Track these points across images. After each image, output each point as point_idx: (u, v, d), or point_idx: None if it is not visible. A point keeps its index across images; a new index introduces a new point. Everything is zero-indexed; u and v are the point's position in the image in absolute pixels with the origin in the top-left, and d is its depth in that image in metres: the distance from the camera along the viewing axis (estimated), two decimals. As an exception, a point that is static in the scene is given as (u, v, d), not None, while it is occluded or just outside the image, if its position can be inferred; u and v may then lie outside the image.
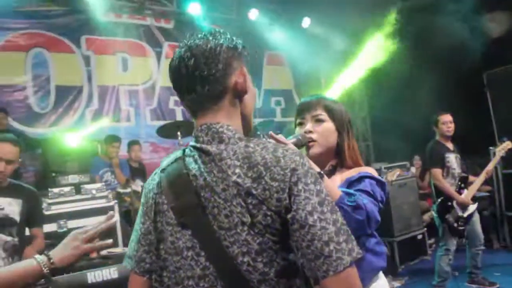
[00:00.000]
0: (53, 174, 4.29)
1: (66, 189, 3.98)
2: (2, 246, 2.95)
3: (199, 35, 1.19)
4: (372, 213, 1.47)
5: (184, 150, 1.22)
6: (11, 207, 3.05)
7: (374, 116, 8.14)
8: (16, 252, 2.98)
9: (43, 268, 1.38)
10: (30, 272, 1.38)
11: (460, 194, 4.25)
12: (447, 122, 4.40)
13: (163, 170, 1.24)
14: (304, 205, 1.04)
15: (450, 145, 4.44)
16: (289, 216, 1.04)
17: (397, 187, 5.91)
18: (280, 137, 1.51)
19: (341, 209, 1.38)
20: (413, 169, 6.54)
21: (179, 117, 6.68)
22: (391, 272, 5.46)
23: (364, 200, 1.49)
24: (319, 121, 1.72)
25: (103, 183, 4.43)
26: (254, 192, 1.05)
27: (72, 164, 4.49)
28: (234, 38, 1.21)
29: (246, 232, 1.06)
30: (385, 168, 5.83)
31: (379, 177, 1.64)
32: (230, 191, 1.07)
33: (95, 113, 6.04)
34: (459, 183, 4.28)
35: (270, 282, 1.07)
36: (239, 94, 1.18)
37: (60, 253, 1.43)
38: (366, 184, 1.58)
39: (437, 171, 4.33)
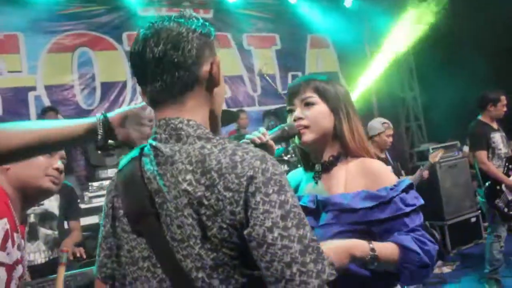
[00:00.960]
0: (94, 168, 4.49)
1: (106, 182, 4.15)
2: (43, 239, 3.14)
3: (168, 18, 1.05)
4: (431, 256, 1.32)
5: (142, 148, 1.09)
6: (50, 202, 3.23)
7: (425, 94, 7.78)
8: (56, 245, 3.17)
9: (99, 129, 1.21)
10: (84, 126, 1.21)
11: (509, 176, 4.00)
12: (504, 103, 4.16)
13: (119, 171, 1.12)
14: (263, 220, 0.88)
15: (494, 125, 4.18)
16: (245, 232, 0.90)
17: (447, 168, 5.67)
18: (261, 136, 1.38)
19: (406, 271, 1.30)
20: (466, 148, 6.21)
21: (223, 106, 6.72)
22: (441, 257, 5.27)
23: (426, 242, 1.32)
24: (308, 104, 1.50)
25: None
26: (206, 202, 0.92)
27: (111, 158, 4.66)
28: (207, 24, 1.08)
29: (199, 246, 0.93)
30: (432, 149, 5.59)
31: (403, 182, 1.42)
32: (181, 199, 0.94)
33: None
34: (507, 164, 4.02)
35: None
36: (210, 85, 1.05)
37: (118, 118, 1.24)
38: (399, 206, 1.36)
39: (482, 153, 4.08)
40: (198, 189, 0.92)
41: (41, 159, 1.58)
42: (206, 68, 1.04)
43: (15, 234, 1.50)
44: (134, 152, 1.10)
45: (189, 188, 0.93)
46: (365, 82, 7.96)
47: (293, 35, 7.45)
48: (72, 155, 5.25)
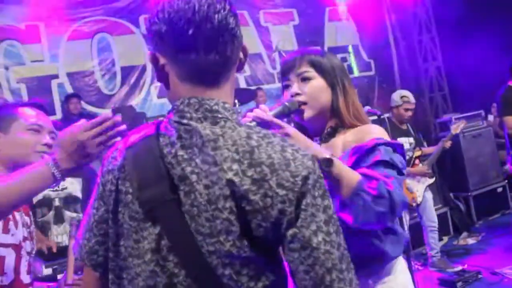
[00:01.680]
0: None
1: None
2: (69, 222, 3.28)
3: None
4: (398, 198, 1.25)
5: (158, 126, 0.97)
6: (73, 186, 3.36)
7: (449, 64, 7.60)
8: (82, 227, 3.30)
9: (52, 169, 1.27)
10: (40, 176, 1.28)
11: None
12: None
13: (129, 148, 0.99)
14: (310, 223, 0.86)
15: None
16: (289, 232, 0.87)
17: (470, 138, 5.57)
18: (263, 114, 1.31)
19: (360, 199, 1.23)
20: (491, 117, 6.08)
21: (242, 84, 6.73)
22: (466, 228, 5.24)
23: (388, 182, 1.26)
24: (305, 79, 1.47)
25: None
26: (252, 197, 0.85)
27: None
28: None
29: (230, 243, 0.86)
30: (455, 119, 5.50)
31: (394, 141, 1.41)
32: (217, 190, 0.86)
33: (160, 89, 6.29)
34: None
35: None
36: (239, 68, 1.00)
37: (60, 152, 1.28)
38: (382, 153, 1.33)
39: (511, 119, 3.99)
40: (245, 181, 0.85)
41: (28, 137, 1.59)
42: (240, 51, 0.98)
43: (16, 214, 1.58)
44: (149, 129, 0.99)
45: (236, 179, 0.85)
46: (386, 54, 7.85)
47: (310, 9, 7.35)
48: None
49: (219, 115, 0.91)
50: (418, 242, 4.69)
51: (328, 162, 1.25)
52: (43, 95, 5.47)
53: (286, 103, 1.44)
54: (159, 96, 6.23)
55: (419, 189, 4.16)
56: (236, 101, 5.11)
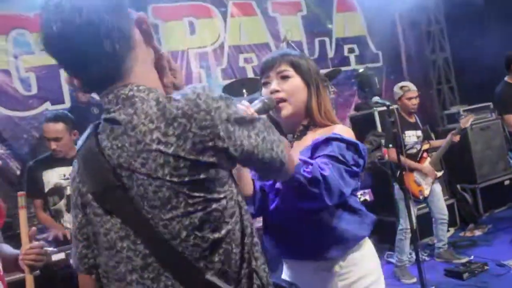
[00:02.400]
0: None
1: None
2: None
3: None
4: (334, 183, 1.32)
5: (96, 125, 1.06)
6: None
7: (456, 55, 7.55)
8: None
9: None
10: None
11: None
12: None
13: (78, 152, 1.09)
14: (241, 136, 0.97)
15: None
16: (237, 154, 0.96)
17: (478, 130, 5.57)
18: (245, 109, 1.36)
19: (295, 181, 1.28)
20: (499, 110, 6.05)
21: (250, 74, 6.72)
22: (472, 220, 5.25)
23: (325, 168, 1.33)
24: (285, 77, 1.58)
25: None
26: (183, 153, 0.90)
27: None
28: None
29: (184, 203, 0.92)
30: (463, 111, 5.48)
31: (350, 139, 1.47)
32: (151, 163, 0.91)
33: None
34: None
35: (224, 249, 0.96)
36: (148, 41, 1.06)
37: None
38: (333, 148, 1.42)
39: (511, 117, 4.00)
40: (170, 142, 0.90)
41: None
42: (136, 28, 1.05)
43: None
44: (89, 130, 1.07)
45: (161, 147, 0.90)
46: (394, 45, 7.81)
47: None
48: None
49: (136, 99, 0.97)
50: (424, 232, 4.70)
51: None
52: (52, 84, 5.49)
53: (265, 100, 1.49)
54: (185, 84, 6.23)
55: (427, 182, 4.16)
56: (244, 90, 5.11)
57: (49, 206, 3.16)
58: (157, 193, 0.92)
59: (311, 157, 1.44)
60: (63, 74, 5.58)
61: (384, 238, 4.78)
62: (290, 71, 1.58)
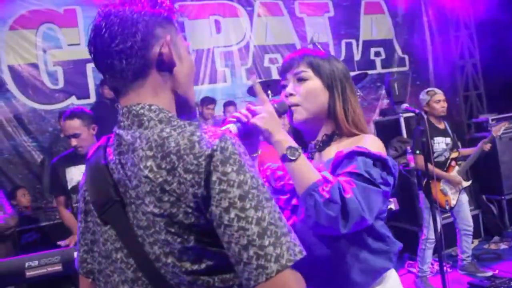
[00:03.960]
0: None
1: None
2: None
3: (118, 1, 1.00)
4: (353, 208, 1.17)
5: (108, 137, 1.09)
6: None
7: (485, 62, 7.38)
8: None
9: None
10: None
11: None
12: None
13: (87, 161, 1.12)
14: (219, 200, 0.86)
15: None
16: (208, 214, 0.89)
17: (507, 140, 5.43)
18: (247, 114, 1.27)
19: (312, 199, 1.19)
20: (529, 120, 5.89)
21: (275, 75, 6.69)
22: (498, 232, 5.13)
23: (347, 190, 1.19)
24: (301, 79, 1.42)
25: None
26: (168, 187, 0.89)
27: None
28: (159, 2, 1.02)
29: (164, 232, 0.90)
30: (492, 120, 5.36)
31: (377, 154, 1.29)
32: (142, 187, 0.92)
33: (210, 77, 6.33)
34: None
35: (203, 280, 0.93)
36: (164, 67, 1.01)
37: None
38: (358, 165, 1.25)
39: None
40: (160, 174, 0.89)
41: None
42: (157, 49, 0.99)
43: None
44: (102, 141, 1.10)
45: (150, 175, 0.90)
46: (421, 49, 7.68)
47: (346, 1, 7.23)
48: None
49: (144, 118, 0.97)
50: (448, 242, 4.61)
51: (292, 152, 1.24)
52: (78, 79, 5.55)
53: (275, 105, 1.35)
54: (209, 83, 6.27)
55: (454, 192, 4.06)
56: (269, 91, 5.08)
57: (72, 203, 3.18)
58: (144, 215, 0.93)
59: (332, 173, 1.29)
60: (89, 69, 5.64)
61: (406, 247, 4.68)
62: (308, 73, 1.42)
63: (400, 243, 1.45)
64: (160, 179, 0.89)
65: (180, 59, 1.05)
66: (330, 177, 1.23)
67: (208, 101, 5.62)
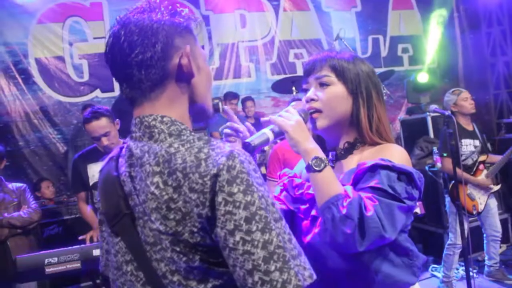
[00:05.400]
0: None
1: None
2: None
3: (137, 8, 0.98)
4: (373, 227, 1.11)
5: (121, 148, 1.06)
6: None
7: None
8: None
9: None
10: None
11: None
12: None
13: (100, 172, 1.12)
14: (224, 222, 0.83)
15: None
16: (213, 234, 0.86)
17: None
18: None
19: (329, 212, 1.14)
20: None
21: (299, 71, 6.61)
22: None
23: (368, 207, 1.13)
24: (323, 84, 1.33)
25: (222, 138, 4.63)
26: (174, 205, 0.86)
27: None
28: (179, 11, 1.00)
29: (170, 250, 0.88)
30: (524, 121, 5.16)
31: (402, 166, 1.21)
32: (149, 203, 0.89)
33: (216, 72, 6.28)
34: None
35: None
36: (183, 78, 0.98)
37: None
38: (380, 179, 1.18)
39: None
40: (166, 191, 0.87)
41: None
42: (176, 60, 0.97)
43: None
44: (115, 152, 1.08)
45: (157, 192, 0.88)
46: (451, 46, 7.48)
47: (374, -4, 7.10)
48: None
49: (155, 130, 0.95)
50: (474, 247, 4.48)
51: (318, 162, 1.19)
52: (103, 72, 5.57)
53: (302, 114, 1.30)
54: (216, 79, 6.23)
55: (481, 196, 3.93)
56: (293, 88, 5.02)
57: (94, 200, 3.19)
58: (151, 231, 0.91)
59: (354, 186, 1.23)
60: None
61: (430, 250, 4.61)
62: (331, 77, 1.33)
63: (424, 256, 1.37)
64: (166, 197, 0.87)
65: (199, 69, 1.02)
66: (351, 191, 1.17)
67: (231, 96, 5.59)
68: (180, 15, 0.99)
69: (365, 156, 1.31)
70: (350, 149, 1.37)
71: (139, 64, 0.94)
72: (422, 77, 5.84)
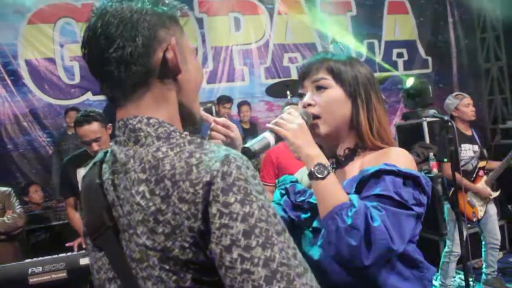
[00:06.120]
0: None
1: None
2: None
3: None
4: (380, 238, 1.04)
5: (106, 152, 0.95)
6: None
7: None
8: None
9: None
10: None
11: None
12: None
13: (83, 178, 0.99)
14: (220, 237, 0.73)
15: None
16: (207, 251, 0.75)
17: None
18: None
19: (334, 223, 1.06)
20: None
21: (294, 75, 6.55)
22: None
23: (374, 217, 1.06)
24: (320, 88, 1.25)
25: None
26: (162, 217, 0.76)
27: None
28: None
29: (158, 267, 0.78)
30: (520, 127, 5.12)
31: (408, 170, 1.14)
32: (134, 215, 0.79)
33: (210, 75, 6.21)
34: None
35: None
36: (169, 74, 0.86)
37: None
38: (386, 185, 1.11)
39: None
40: (153, 202, 0.77)
41: None
42: (159, 55, 0.85)
43: None
44: (98, 156, 0.97)
45: (143, 202, 0.78)
46: (445, 52, 7.47)
47: (369, 0, 7.06)
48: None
49: (141, 133, 0.84)
50: (471, 254, 4.41)
51: (321, 169, 1.11)
52: (95, 74, 5.48)
53: (304, 117, 1.21)
54: (209, 82, 6.15)
55: (481, 203, 3.87)
56: (288, 92, 4.95)
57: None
58: (137, 246, 0.81)
59: (357, 193, 1.16)
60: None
61: (425, 257, 4.52)
62: (328, 80, 1.25)
63: (434, 267, 1.29)
64: (153, 208, 0.77)
65: (186, 64, 0.90)
66: (356, 200, 1.09)
67: (225, 99, 5.51)
68: (163, 3, 0.88)
69: (367, 161, 1.24)
70: (351, 156, 1.28)
71: (118, 60, 0.82)
72: (415, 83, 5.78)
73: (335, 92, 1.25)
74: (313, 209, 1.24)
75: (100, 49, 0.83)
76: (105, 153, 0.94)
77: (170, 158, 0.78)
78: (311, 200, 1.25)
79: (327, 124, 1.25)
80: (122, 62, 0.82)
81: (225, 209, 0.73)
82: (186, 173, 0.76)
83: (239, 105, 5.74)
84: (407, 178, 1.13)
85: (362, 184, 1.16)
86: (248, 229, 0.73)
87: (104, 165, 0.90)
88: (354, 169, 1.25)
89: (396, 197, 1.09)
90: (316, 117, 1.24)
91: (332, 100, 1.25)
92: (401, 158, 1.19)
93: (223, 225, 0.73)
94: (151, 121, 0.84)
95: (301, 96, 1.30)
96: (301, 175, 1.43)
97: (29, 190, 4.66)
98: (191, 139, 0.83)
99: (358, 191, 1.17)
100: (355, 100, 1.26)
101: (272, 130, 1.17)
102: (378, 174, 1.14)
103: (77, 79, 5.50)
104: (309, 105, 1.25)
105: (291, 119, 1.17)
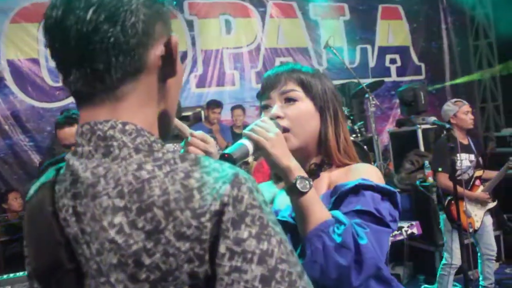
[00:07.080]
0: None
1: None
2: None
3: None
4: (369, 256, 0.99)
5: (58, 169, 0.73)
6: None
7: (506, 72, 7.10)
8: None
9: None
10: None
11: None
12: None
13: (27, 203, 0.78)
14: (231, 285, 0.58)
15: None
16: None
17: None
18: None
19: (320, 241, 0.99)
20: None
21: (285, 80, 6.42)
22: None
23: (361, 234, 1.00)
24: (290, 100, 1.19)
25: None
26: (148, 260, 0.58)
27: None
28: None
29: None
30: (515, 136, 5.05)
31: (384, 186, 1.12)
32: (106, 257, 0.61)
33: (199, 79, 6.06)
34: None
35: None
36: (163, 75, 0.71)
37: None
38: (367, 201, 1.07)
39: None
40: (134, 238, 0.59)
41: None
42: (157, 51, 0.68)
43: None
44: (46, 175, 0.74)
45: (119, 239, 0.59)
46: (438, 58, 7.43)
47: (363, 4, 6.98)
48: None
49: (114, 143, 0.65)
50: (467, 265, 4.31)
51: (304, 183, 1.03)
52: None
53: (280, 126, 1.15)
54: (198, 86, 6.00)
55: (478, 213, 3.76)
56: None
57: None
58: None
59: (334, 209, 1.10)
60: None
61: (420, 268, 4.42)
62: (298, 92, 1.20)
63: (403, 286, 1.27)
64: (135, 247, 0.59)
65: (178, 69, 0.74)
66: (342, 217, 1.04)
67: (214, 104, 5.36)
68: None
69: (335, 177, 1.20)
70: (317, 171, 1.24)
71: (109, 46, 0.64)
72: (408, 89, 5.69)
73: (305, 105, 1.21)
74: (289, 227, 1.13)
75: (84, 25, 0.63)
76: (57, 170, 0.73)
77: (159, 180, 0.61)
78: (287, 220, 1.17)
79: (297, 138, 1.19)
80: (115, 48, 0.64)
81: (237, 247, 0.58)
82: (184, 200, 0.59)
83: (232, 109, 5.61)
84: (384, 194, 1.12)
85: (339, 199, 1.12)
86: (267, 273, 0.58)
87: (58, 187, 0.69)
88: (322, 185, 1.22)
89: (377, 214, 1.07)
90: (285, 130, 1.17)
91: (303, 113, 1.20)
92: (374, 174, 1.17)
93: (234, 268, 0.58)
94: (127, 127, 0.66)
95: (266, 107, 1.23)
96: (270, 194, 1.33)
97: (8, 197, 4.46)
98: (183, 155, 0.66)
99: (335, 207, 1.12)
100: (323, 114, 1.23)
101: (249, 137, 1.07)
102: (357, 189, 1.10)
103: (61, 81, 5.32)
104: (278, 117, 1.18)
105: (267, 127, 1.07)
